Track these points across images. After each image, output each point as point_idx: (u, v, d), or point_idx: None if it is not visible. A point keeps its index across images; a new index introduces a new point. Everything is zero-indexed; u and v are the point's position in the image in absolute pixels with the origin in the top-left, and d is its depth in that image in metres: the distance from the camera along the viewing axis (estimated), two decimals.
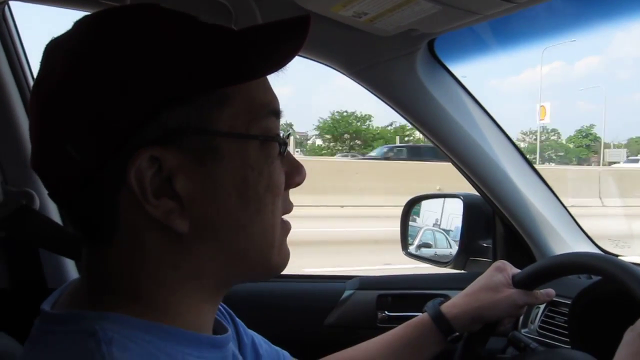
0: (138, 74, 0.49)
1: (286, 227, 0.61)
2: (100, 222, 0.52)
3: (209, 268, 0.55)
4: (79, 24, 0.54)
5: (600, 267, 0.83)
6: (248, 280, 0.61)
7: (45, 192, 0.56)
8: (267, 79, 0.58)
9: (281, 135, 0.58)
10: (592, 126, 47.32)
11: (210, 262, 0.55)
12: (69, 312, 0.52)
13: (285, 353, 0.84)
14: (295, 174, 0.60)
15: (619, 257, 1.08)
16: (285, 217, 0.60)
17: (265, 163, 0.55)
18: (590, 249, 1.35)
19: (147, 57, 0.50)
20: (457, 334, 0.94)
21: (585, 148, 45.68)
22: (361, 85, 1.24)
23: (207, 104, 0.51)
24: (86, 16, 0.54)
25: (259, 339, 0.79)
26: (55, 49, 0.54)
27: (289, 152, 0.60)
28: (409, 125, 1.44)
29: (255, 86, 0.56)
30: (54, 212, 1.25)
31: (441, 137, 1.27)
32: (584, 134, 47.46)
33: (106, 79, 0.49)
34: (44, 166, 0.53)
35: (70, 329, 0.49)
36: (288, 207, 0.61)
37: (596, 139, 44.99)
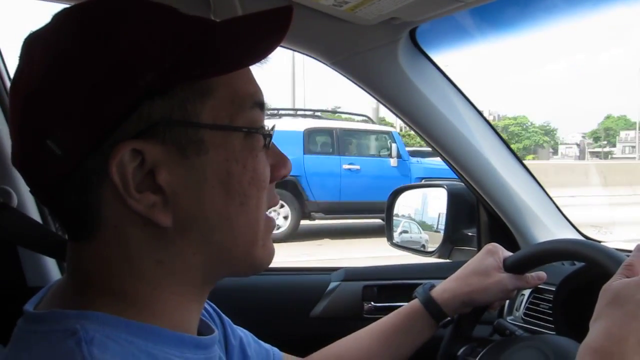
0: (119, 67, 0.49)
1: (270, 224, 0.60)
2: (82, 217, 0.51)
3: (193, 263, 0.54)
4: (58, 17, 0.53)
5: (593, 256, 0.82)
6: (232, 275, 0.60)
7: (23, 189, 0.55)
8: (250, 70, 0.58)
9: (266, 127, 0.58)
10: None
11: (194, 257, 0.54)
12: (50, 311, 0.52)
13: (276, 350, 0.83)
14: (280, 167, 0.60)
15: (602, 243, 1.09)
16: None
17: (250, 155, 0.55)
18: (573, 236, 1.36)
19: (127, 50, 0.49)
20: (449, 318, 0.94)
21: None
22: (343, 75, 1.22)
23: (189, 96, 0.51)
24: (66, 9, 0.53)
25: (247, 337, 0.79)
26: (34, 42, 0.53)
27: (273, 145, 0.60)
28: None
29: (239, 78, 0.55)
30: (32, 209, 1.23)
31: (424, 126, 1.27)
32: None
33: (87, 72, 0.49)
34: (25, 162, 0.53)
35: (51, 328, 0.49)
36: (273, 201, 0.61)
37: None
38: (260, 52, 0.54)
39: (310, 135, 8.84)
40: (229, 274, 0.60)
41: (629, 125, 60.28)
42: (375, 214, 8.53)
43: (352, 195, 8.61)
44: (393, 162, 8.97)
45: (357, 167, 8.86)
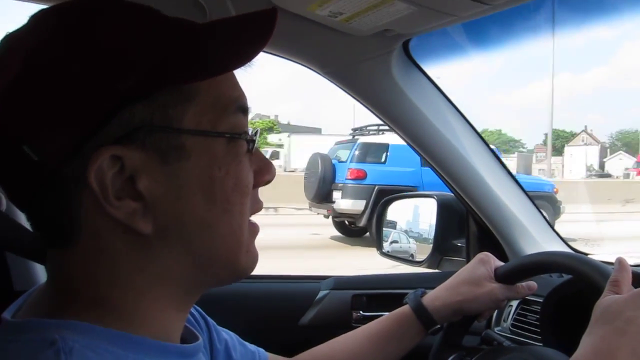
0: (97, 71, 0.47)
1: (254, 229, 0.59)
2: (61, 225, 0.50)
3: (175, 271, 0.53)
4: (35, 19, 0.51)
5: (583, 271, 0.82)
6: (216, 284, 0.59)
7: None
8: (234, 75, 0.57)
9: (249, 132, 0.56)
10: None
11: (176, 265, 0.53)
12: (29, 320, 0.50)
13: (262, 351, 0.83)
14: (264, 172, 0.59)
15: (589, 256, 1.10)
16: None
17: (233, 161, 0.54)
18: (561, 248, 1.37)
19: (106, 53, 0.48)
20: (439, 326, 0.94)
21: None
22: (336, 85, 1.23)
23: (171, 100, 0.50)
24: (42, 10, 0.52)
25: (233, 340, 0.78)
26: (9, 44, 0.51)
27: (257, 149, 0.58)
28: None
29: (222, 82, 0.54)
30: (21, 214, 1.21)
31: (415, 137, 1.28)
32: None
33: (64, 76, 0.47)
34: (1, 168, 0.51)
35: (30, 337, 0.47)
36: (257, 206, 0.59)
37: None
38: (245, 56, 0.52)
39: None
40: (213, 283, 0.58)
41: (500, 138, 63.58)
42: None
43: None
44: None
45: None
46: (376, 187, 8.64)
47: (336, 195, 9.04)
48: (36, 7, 0.53)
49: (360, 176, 8.92)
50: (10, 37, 0.52)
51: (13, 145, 0.48)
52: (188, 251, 0.53)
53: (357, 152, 9.15)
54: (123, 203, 0.49)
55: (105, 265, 0.51)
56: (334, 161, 9.47)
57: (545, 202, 9.76)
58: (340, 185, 9.03)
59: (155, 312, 0.53)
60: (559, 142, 61.70)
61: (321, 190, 9.17)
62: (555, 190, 10.51)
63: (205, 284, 0.58)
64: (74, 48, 0.48)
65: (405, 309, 0.95)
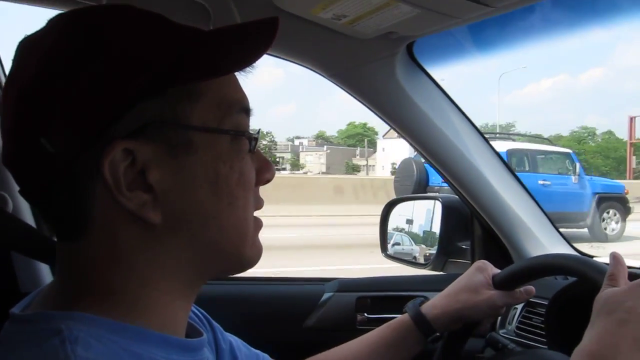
0: (113, 70, 0.50)
1: (258, 224, 0.62)
2: (73, 216, 0.52)
3: (182, 261, 0.55)
4: (53, 22, 0.54)
5: (578, 269, 0.83)
6: (221, 273, 0.61)
7: (19, 194, 0.55)
8: (236, 78, 0.60)
9: (251, 132, 0.59)
10: None
11: (183, 255, 0.55)
12: (36, 313, 0.52)
13: (265, 356, 0.83)
14: (265, 171, 0.62)
15: (594, 258, 1.09)
16: None
17: (237, 158, 0.57)
18: (566, 250, 1.37)
19: (120, 55, 0.51)
20: (438, 334, 0.94)
21: None
22: (340, 87, 1.23)
23: (179, 99, 0.53)
24: (61, 14, 0.55)
25: (237, 342, 0.79)
26: (29, 46, 0.54)
27: (258, 149, 0.61)
28: None
29: (226, 83, 0.58)
30: (27, 215, 1.23)
31: (420, 139, 1.28)
32: None
33: (81, 75, 0.50)
34: (17, 161, 0.54)
35: (36, 328, 0.49)
36: (259, 204, 0.62)
37: None
38: (246, 60, 0.56)
39: (511, 155, 10.14)
40: (218, 272, 0.61)
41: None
42: (568, 222, 9.72)
43: (547, 207, 9.66)
44: (574, 179, 10.46)
45: (549, 182, 10.24)
46: None
47: None
48: (52, 12, 0.57)
49: None
50: (28, 39, 0.55)
51: (31, 139, 0.50)
52: (194, 241, 0.55)
53: None
54: (134, 194, 0.51)
55: (114, 257, 0.53)
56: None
57: (617, 202, 10.48)
58: (436, 187, 9.26)
59: (160, 302, 0.55)
60: None
61: (417, 193, 9.31)
62: (626, 191, 11.14)
63: (210, 273, 0.60)
64: (90, 49, 0.50)
65: (404, 317, 0.96)
